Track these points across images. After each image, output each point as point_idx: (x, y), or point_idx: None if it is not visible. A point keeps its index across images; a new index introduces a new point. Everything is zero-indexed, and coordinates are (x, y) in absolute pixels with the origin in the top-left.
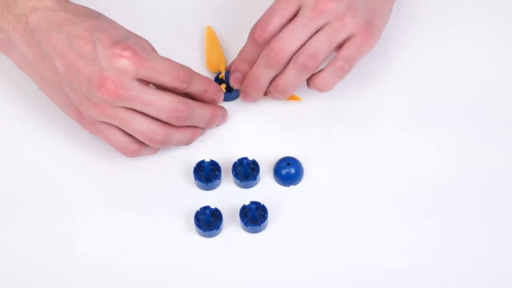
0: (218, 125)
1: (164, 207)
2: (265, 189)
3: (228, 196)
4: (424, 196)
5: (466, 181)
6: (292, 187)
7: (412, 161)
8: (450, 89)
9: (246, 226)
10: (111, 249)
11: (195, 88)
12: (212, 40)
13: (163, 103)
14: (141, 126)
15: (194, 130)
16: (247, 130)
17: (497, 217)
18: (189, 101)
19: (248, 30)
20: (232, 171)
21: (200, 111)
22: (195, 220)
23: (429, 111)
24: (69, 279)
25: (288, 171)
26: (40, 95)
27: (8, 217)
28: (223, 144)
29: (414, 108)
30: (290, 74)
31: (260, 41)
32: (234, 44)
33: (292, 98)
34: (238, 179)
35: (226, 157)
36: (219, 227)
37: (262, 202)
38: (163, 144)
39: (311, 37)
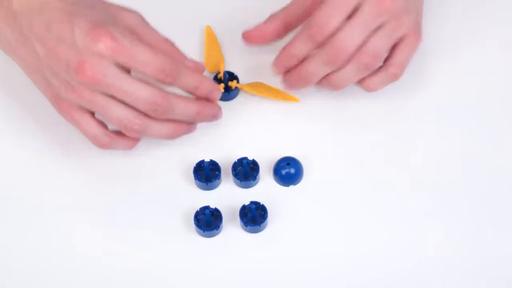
0: (210, 121)
1: (164, 207)
2: (265, 189)
3: (228, 196)
4: (425, 196)
5: (468, 181)
6: (292, 187)
7: (413, 160)
8: (450, 88)
9: (246, 226)
10: (111, 249)
11: (183, 84)
12: (212, 40)
13: (141, 94)
14: (117, 113)
15: (176, 125)
16: (247, 130)
17: (500, 216)
18: (171, 96)
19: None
20: (232, 171)
21: (182, 106)
22: (195, 220)
23: (430, 111)
24: (68, 279)
25: (288, 171)
26: (35, 91)
27: (5, 216)
28: (223, 144)
29: (414, 108)
30: (349, 71)
31: (319, 38)
32: (234, 44)
33: (291, 99)
34: (238, 179)
35: (226, 157)
36: (219, 227)
37: (262, 202)
38: (139, 134)
39: (370, 35)
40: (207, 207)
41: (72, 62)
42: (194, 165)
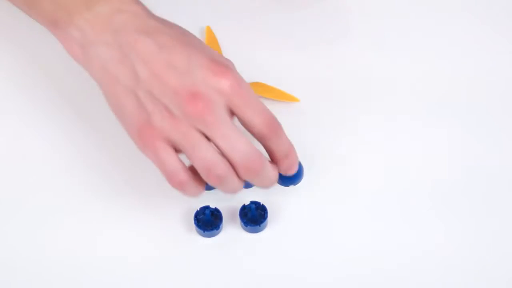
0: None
1: (163, 207)
2: (265, 189)
3: (228, 196)
4: (426, 195)
5: (467, 180)
6: (292, 187)
7: (414, 161)
8: (450, 88)
9: (246, 226)
10: (110, 249)
11: (278, 146)
12: (212, 40)
13: (241, 145)
14: (206, 152)
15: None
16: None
17: (500, 216)
18: (265, 159)
19: (248, 31)
20: None
21: (270, 174)
22: (195, 220)
23: (430, 110)
24: (68, 279)
25: None
26: (40, 91)
27: (9, 216)
28: None
29: (414, 107)
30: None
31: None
32: (234, 45)
33: (291, 99)
34: None
35: None
36: (219, 227)
37: (262, 202)
38: (218, 181)
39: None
40: (207, 207)
41: (182, 90)
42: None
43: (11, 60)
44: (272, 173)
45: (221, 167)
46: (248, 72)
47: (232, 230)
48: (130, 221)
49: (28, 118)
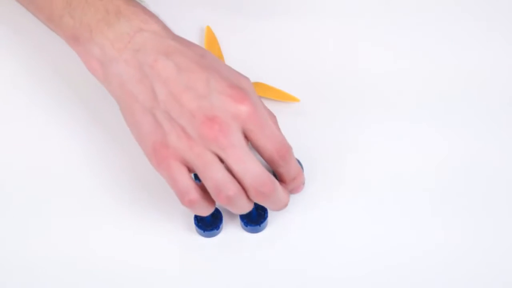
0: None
1: (164, 207)
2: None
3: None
4: (427, 195)
5: (468, 180)
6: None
7: (415, 160)
8: (450, 88)
9: (246, 226)
10: (110, 249)
11: (287, 170)
12: (212, 40)
13: (254, 169)
14: (218, 173)
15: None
16: None
17: (500, 216)
18: (277, 183)
19: (248, 31)
20: None
21: (281, 197)
22: (195, 220)
23: (430, 110)
24: (67, 279)
25: None
26: (39, 88)
27: (7, 214)
28: None
29: (414, 107)
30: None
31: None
32: (234, 45)
33: (291, 99)
34: None
35: None
36: (219, 227)
37: None
38: (228, 202)
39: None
40: None
41: (200, 113)
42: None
43: (17, 58)
44: (283, 196)
45: (232, 188)
46: (248, 72)
47: (232, 230)
48: (130, 221)
49: (29, 117)
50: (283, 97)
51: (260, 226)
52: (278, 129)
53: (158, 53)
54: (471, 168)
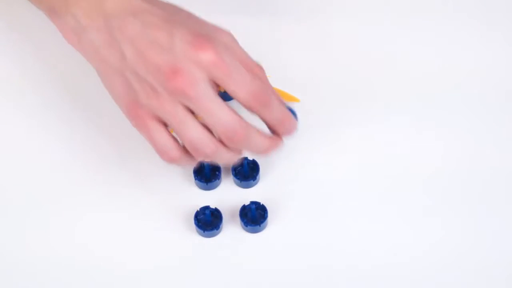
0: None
1: (164, 207)
2: (265, 189)
3: (228, 196)
4: (427, 195)
5: (467, 179)
6: (292, 187)
7: (415, 160)
8: (450, 88)
9: (246, 226)
10: (110, 249)
11: (270, 115)
12: None
13: (223, 117)
14: (192, 132)
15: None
16: None
17: (500, 214)
18: (250, 128)
19: (248, 32)
20: (232, 171)
21: (257, 141)
22: (195, 220)
23: (431, 109)
24: (67, 279)
25: None
26: (43, 91)
27: (5, 214)
28: None
29: (415, 107)
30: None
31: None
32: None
33: (291, 99)
34: (238, 179)
35: None
36: (219, 227)
37: (262, 202)
38: (207, 158)
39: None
40: (207, 207)
41: (164, 67)
42: (194, 165)
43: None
44: (260, 140)
45: (208, 145)
46: None
47: (232, 230)
48: (130, 221)
49: (24, 115)
50: (284, 97)
51: (260, 226)
52: (258, 77)
53: (127, 15)
54: (470, 167)
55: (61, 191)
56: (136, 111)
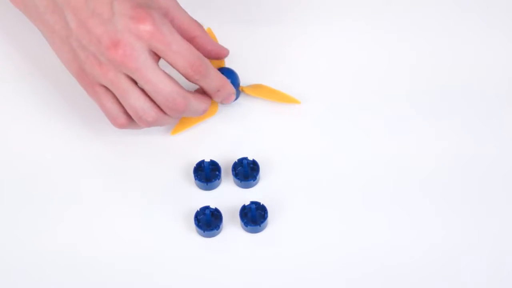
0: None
1: (164, 207)
2: (265, 189)
3: (228, 196)
4: (426, 194)
5: (467, 177)
6: (292, 187)
7: (415, 159)
8: (449, 86)
9: (246, 226)
10: (111, 249)
11: (207, 84)
12: None
13: (163, 88)
14: (135, 101)
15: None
16: (248, 131)
17: (500, 212)
18: (189, 96)
19: (248, 32)
20: (232, 171)
21: (196, 106)
22: (195, 220)
23: (431, 108)
24: (66, 278)
25: None
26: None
27: (5, 210)
28: (223, 144)
29: (415, 107)
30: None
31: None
32: (235, 47)
33: (292, 101)
34: (238, 179)
35: (226, 157)
36: (219, 227)
37: (262, 202)
38: (150, 126)
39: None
40: (207, 207)
41: (105, 38)
42: (194, 165)
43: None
44: (199, 106)
45: (150, 114)
46: (250, 74)
47: (232, 230)
48: (130, 220)
49: (30, 115)
50: (285, 99)
51: (260, 226)
52: (189, 45)
53: None
54: (470, 164)
55: (61, 191)
56: (83, 78)
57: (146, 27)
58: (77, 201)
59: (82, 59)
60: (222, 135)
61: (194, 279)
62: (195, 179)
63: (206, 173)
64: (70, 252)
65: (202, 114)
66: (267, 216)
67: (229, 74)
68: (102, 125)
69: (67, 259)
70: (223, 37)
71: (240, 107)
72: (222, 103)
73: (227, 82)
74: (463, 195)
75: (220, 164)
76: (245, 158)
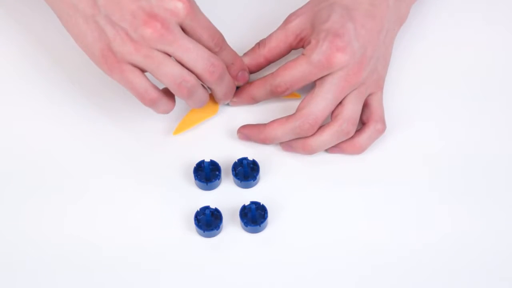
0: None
1: (164, 207)
2: (265, 189)
3: (228, 196)
4: (428, 193)
5: (472, 173)
6: (292, 187)
7: (415, 157)
8: (451, 83)
9: (246, 226)
10: (111, 248)
11: (224, 56)
12: None
13: (202, 54)
14: (173, 69)
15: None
16: None
17: (505, 207)
18: (223, 64)
19: (248, 32)
20: (232, 171)
21: (229, 77)
22: (195, 220)
23: (431, 108)
24: (66, 278)
25: None
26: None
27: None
28: (223, 144)
29: (416, 105)
30: (327, 137)
31: (281, 94)
32: (234, 45)
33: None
34: (238, 179)
35: (226, 157)
36: (219, 227)
37: (262, 202)
38: (190, 93)
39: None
40: (207, 207)
41: (140, 13)
42: (194, 165)
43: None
44: (231, 81)
45: (190, 79)
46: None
47: (232, 230)
48: (130, 220)
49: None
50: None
51: (260, 226)
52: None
53: None
54: (474, 158)
55: (61, 191)
56: (111, 57)
57: (182, 4)
58: (77, 200)
59: (110, 37)
60: (222, 135)
61: (194, 279)
62: (195, 179)
63: (206, 173)
64: (70, 252)
65: (228, 95)
66: (267, 216)
67: None
68: (102, 125)
69: (67, 259)
70: (224, 33)
71: (240, 107)
72: (237, 82)
73: (240, 58)
74: (466, 192)
75: (220, 164)
76: (245, 158)
